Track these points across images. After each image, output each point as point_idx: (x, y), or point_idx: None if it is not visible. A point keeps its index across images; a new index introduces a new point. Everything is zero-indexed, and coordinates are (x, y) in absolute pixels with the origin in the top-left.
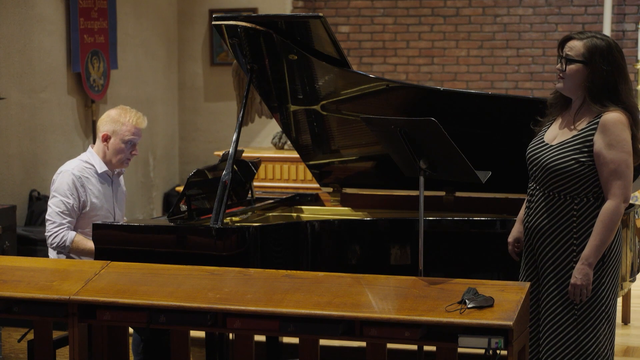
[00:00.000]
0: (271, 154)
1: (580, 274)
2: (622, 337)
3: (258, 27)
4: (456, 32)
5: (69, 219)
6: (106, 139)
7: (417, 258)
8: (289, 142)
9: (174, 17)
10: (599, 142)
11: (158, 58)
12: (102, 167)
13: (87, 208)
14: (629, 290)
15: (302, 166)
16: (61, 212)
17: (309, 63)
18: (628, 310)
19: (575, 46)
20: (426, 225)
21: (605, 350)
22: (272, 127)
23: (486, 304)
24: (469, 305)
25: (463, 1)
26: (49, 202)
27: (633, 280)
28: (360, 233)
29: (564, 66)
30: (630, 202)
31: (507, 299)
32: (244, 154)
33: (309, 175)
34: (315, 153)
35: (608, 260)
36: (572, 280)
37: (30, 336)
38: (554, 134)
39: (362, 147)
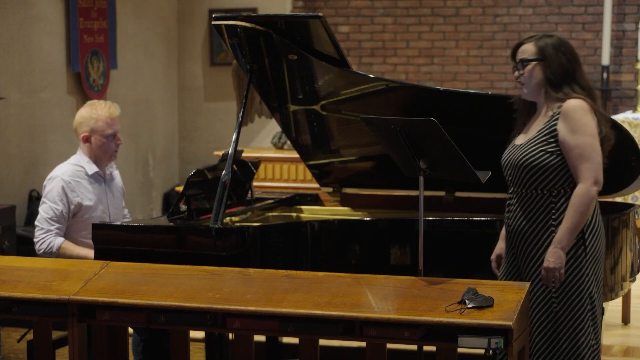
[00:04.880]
0: (271, 154)
1: (552, 257)
2: (622, 337)
3: (258, 27)
4: (456, 32)
5: (58, 225)
6: (87, 139)
7: (417, 258)
8: (288, 142)
9: (173, 17)
10: (562, 129)
11: (158, 58)
12: (92, 169)
13: (80, 212)
14: (629, 290)
15: (302, 166)
16: (49, 219)
17: (309, 63)
18: (628, 310)
19: (527, 49)
20: (426, 225)
21: (594, 342)
22: (272, 127)
23: (486, 304)
24: (469, 305)
25: (463, 1)
26: (39, 208)
27: (633, 280)
28: (360, 233)
29: (521, 70)
30: (630, 202)
31: (507, 299)
32: (243, 154)
33: (309, 175)
34: (315, 153)
35: (590, 251)
36: (545, 264)
37: (30, 336)
38: (524, 136)
39: (362, 147)
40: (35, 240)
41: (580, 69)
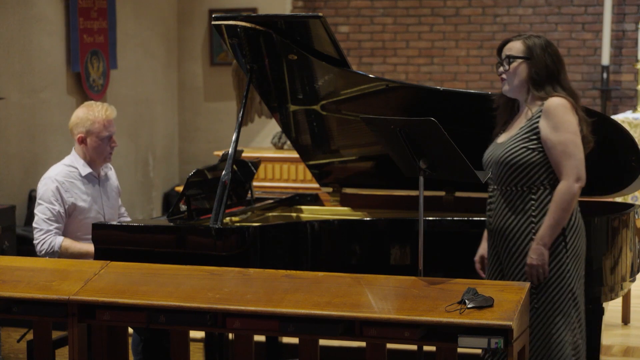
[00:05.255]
0: (271, 154)
1: (535, 253)
2: (622, 337)
3: (258, 27)
4: (456, 32)
5: (56, 224)
6: (82, 140)
7: (417, 258)
8: (288, 142)
9: (173, 17)
10: (544, 127)
11: (158, 58)
12: (85, 170)
13: (75, 212)
14: (629, 290)
15: (302, 166)
16: (47, 219)
17: (309, 63)
18: (628, 310)
19: (515, 46)
20: (426, 225)
21: (578, 337)
22: (272, 127)
23: (486, 304)
24: (469, 305)
25: (463, 1)
26: (35, 210)
27: (633, 280)
28: (360, 233)
29: (507, 66)
30: (630, 202)
31: (506, 299)
32: (243, 154)
33: (309, 175)
34: (315, 153)
35: (571, 247)
36: (528, 261)
37: (30, 336)
38: (505, 134)
39: (362, 147)
40: (35, 242)
41: (564, 71)
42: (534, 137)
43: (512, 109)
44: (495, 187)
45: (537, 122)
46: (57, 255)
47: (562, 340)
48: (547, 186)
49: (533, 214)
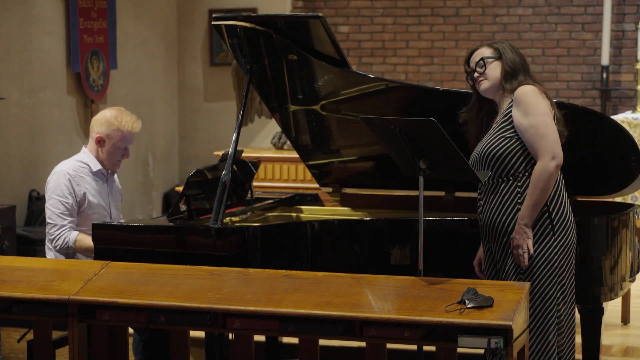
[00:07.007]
0: (271, 154)
1: (518, 234)
2: (622, 337)
3: (258, 27)
4: (456, 32)
5: (70, 218)
6: (100, 141)
7: (417, 258)
8: (288, 142)
9: (173, 17)
10: (516, 115)
11: (158, 58)
12: (96, 166)
13: (84, 206)
14: (629, 290)
15: (301, 166)
16: (61, 213)
17: (309, 63)
18: (628, 310)
19: (483, 51)
20: (426, 225)
21: (563, 317)
22: (272, 127)
23: (486, 304)
24: (469, 305)
25: (463, 1)
26: (47, 205)
27: (633, 280)
28: (360, 233)
29: (482, 69)
30: (630, 202)
31: (506, 299)
32: (243, 154)
33: (309, 175)
34: (315, 153)
35: (559, 231)
36: (514, 243)
37: (30, 336)
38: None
39: (362, 147)
40: (50, 238)
41: (530, 69)
42: (509, 126)
43: (481, 120)
44: (482, 183)
45: (510, 111)
46: (72, 250)
47: (547, 325)
48: (531, 171)
49: (519, 200)
